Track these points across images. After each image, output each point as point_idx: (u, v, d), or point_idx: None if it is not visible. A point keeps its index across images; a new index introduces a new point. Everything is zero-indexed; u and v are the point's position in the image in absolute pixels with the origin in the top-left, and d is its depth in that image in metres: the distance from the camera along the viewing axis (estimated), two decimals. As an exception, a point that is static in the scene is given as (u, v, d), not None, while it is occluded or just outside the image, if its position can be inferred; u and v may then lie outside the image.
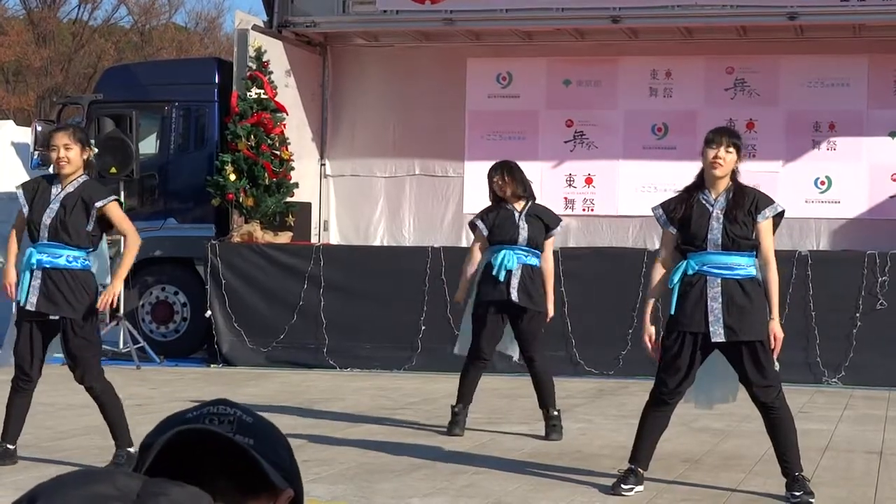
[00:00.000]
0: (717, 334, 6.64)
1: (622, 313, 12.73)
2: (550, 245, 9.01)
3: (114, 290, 7.50)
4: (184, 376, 12.80)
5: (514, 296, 8.63)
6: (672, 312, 6.78)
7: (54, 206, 7.48)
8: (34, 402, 7.66)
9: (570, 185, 14.93)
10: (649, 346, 6.89)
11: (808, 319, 12.36)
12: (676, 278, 6.79)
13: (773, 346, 6.66)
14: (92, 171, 7.79)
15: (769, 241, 6.81)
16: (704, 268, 6.71)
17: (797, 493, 6.64)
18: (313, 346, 13.54)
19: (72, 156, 7.44)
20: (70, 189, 7.49)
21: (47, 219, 7.45)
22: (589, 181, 15.03)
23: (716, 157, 6.73)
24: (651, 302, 7.03)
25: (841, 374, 12.37)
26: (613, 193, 14.93)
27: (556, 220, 9.01)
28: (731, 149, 6.75)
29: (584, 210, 15.10)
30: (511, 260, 8.67)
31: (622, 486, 6.82)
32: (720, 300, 6.64)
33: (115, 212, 7.57)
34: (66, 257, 7.45)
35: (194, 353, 14.56)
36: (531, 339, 8.79)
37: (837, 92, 14.49)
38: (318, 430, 9.03)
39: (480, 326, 8.78)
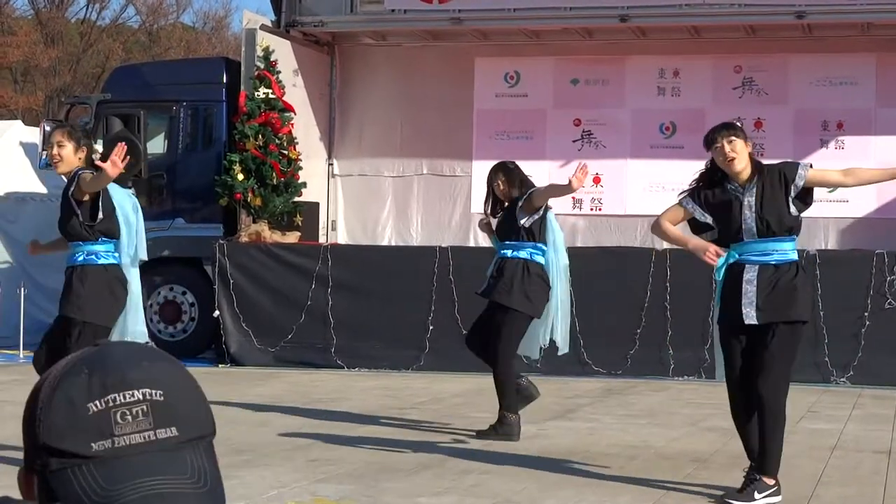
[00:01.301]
0: (750, 317, 6.59)
1: (630, 312, 12.71)
2: (540, 197, 8.64)
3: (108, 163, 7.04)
4: (192, 376, 12.79)
5: (484, 285, 8.78)
6: (717, 304, 6.84)
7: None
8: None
9: (577, 184, 14.90)
10: (710, 251, 6.67)
11: (817, 319, 12.29)
12: (722, 272, 6.79)
13: None
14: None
15: (830, 175, 6.88)
16: (744, 256, 6.70)
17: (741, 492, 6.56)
18: (321, 345, 13.54)
19: (64, 153, 7.41)
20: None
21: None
22: (597, 181, 15.01)
23: (725, 154, 6.68)
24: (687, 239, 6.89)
25: (849, 373, 12.34)
26: (621, 193, 14.91)
27: (523, 200, 8.60)
28: (732, 138, 6.70)
29: (591, 209, 15.09)
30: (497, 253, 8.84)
31: (755, 493, 6.59)
32: (755, 283, 6.61)
33: (85, 177, 7.36)
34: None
35: (202, 353, 14.55)
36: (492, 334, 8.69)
37: (845, 90, 14.47)
38: (325, 429, 9.04)
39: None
